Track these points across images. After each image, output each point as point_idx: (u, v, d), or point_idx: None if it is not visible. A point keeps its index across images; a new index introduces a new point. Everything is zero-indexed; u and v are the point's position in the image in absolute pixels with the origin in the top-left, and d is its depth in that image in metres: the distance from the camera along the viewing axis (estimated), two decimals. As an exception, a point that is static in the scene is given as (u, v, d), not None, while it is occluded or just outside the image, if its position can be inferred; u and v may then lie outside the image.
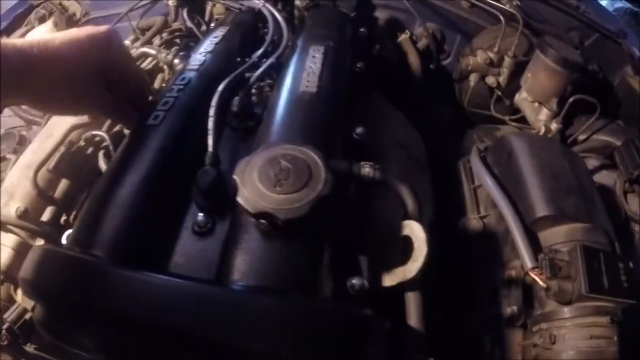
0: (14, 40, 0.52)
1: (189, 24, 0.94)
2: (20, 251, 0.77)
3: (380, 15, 1.05)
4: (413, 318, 0.51)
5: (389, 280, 0.51)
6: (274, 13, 0.78)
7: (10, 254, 0.76)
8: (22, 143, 1.09)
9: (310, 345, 0.40)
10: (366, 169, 0.55)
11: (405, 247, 0.53)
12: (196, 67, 0.71)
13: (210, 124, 0.58)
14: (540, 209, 0.68)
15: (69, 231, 0.54)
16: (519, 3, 1.00)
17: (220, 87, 0.63)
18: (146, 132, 0.59)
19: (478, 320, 0.72)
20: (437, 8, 1.06)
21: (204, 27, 1.01)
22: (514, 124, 1.02)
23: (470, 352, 0.73)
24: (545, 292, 0.62)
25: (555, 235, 0.69)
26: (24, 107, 1.16)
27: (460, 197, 0.81)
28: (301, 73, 0.67)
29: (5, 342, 0.73)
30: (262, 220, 0.44)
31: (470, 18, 1.07)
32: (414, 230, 0.52)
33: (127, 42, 1.09)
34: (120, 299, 0.42)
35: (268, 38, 0.75)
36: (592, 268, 0.60)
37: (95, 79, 0.56)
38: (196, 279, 0.47)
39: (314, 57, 0.70)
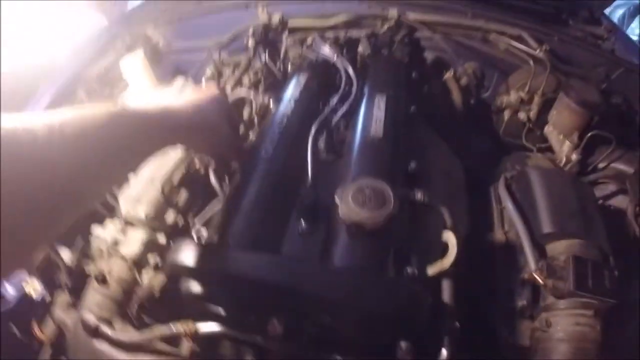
0: (171, 104, 0.73)
1: (271, 66, 1.35)
2: (147, 245, 1.17)
3: (428, 55, 1.44)
4: (446, 297, 0.89)
5: (431, 270, 0.90)
6: (347, 67, 1.18)
7: (139, 247, 1.17)
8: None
9: (383, 303, 0.78)
10: (419, 195, 0.94)
11: (444, 249, 0.92)
12: (289, 112, 1.12)
13: (309, 158, 0.99)
14: (547, 226, 1.05)
15: (198, 227, 0.93)
16: (548, 48, 1.37)
17: (313, 130, 1.03)
18: (260, 162, 0.99)
19: (498, 312, 1.09)
20: (477, 50, 1.45)
21: (278, 65, 1.42)
22: (540, 154, 1.38)
23: (491, 338, 1.09)
24: (544, 289, 0.99)
25: (558, 248, 1.04)
26: None
27: (490, 216, 1.19)
28: (370, 120, 1.06)
29: (135, 314, 1.12)
30: (353, 228, 0.84)
31: (505, 58, 1.44)
32: (449, 237, 0.91)
33: (208, 71, 1.51)
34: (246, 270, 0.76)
35: (342, 87, 1.15)
36: (580, 272, 0.94)
37: (228, 129, 0.93)
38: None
39: (379, 106, 1.10)
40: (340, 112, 1.09)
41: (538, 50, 1.36)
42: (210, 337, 0.85)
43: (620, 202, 1.29)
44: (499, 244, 1.15)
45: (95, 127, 0.53)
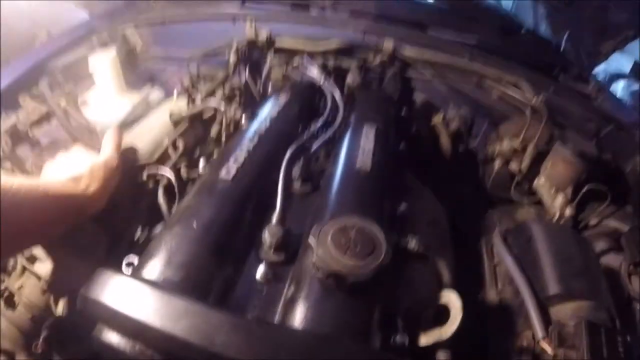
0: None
1: (251, 85, 1.12)
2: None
3: (418, 96, 1.25)
4: (443, 374, 0.64)
5: (426, 339, 0.65)
6: (334, 91, 0.96)
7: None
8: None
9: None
10: (412, 243, 0.70)
11: (441, 313, 0.67)
12: (263, 130, 0.88)
13: (280, 187, 0.74)
14: (553, 288, 0.83)
15: (130, 256, 0.64)
16: (544, 99, 1.20)
17: (287, 155, 0.79)
18: (219, 184, 0.73)
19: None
20: (469, 95, 1.27)
21: (258, 85, 1.19)
22: (530, 208, 1.18)
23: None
24: (552, 359, 0.75)
25: (564, 311, 0.83)
26: (73, 122, 1.29)
27: (480, 273, 0.96)
28: (356, 151, 0.84)
29: (40, 351, 0.82)
30: (331, 279, 0.59)
31: (498, 107, 1.27)
32: (452, 299, 0.66)
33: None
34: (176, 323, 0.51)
35: (326, 112, 0.93)
36: (594, 340, 0.74)
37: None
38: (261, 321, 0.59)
39: (367, 137, 0.88)
40: (322, 139, 0.86)
41: (534, 100, 1.18)
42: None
43: (612, 260, 1.09)
44: (491, 305, 0.91)
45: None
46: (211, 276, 0.62)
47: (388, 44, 1.19)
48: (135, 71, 1.35)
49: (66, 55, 1.28)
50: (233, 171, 0.75)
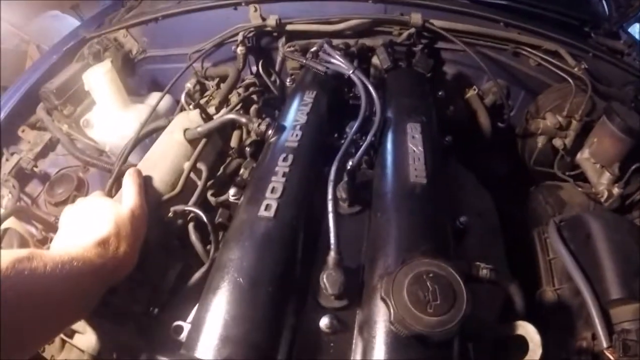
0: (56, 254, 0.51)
1: (266, 79, 0.98)
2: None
3: (448, 70, 1.11)
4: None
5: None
6: (366, 83, 0.82)
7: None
8: (81, 187, 1.11)
9: None
10: (484, 271, 0.61)
11: (516, 344, 0.60)
12: (295, 143, 0.76)
13: (331, 218, 0.63)
14: (615, 292, 0.77)
15: (179, 324, 0.56)
16: (586, 66, 1.07)
17: (332, 174, 0.68)
18: (262, 225, 0.62)
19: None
20: (504, 65, 1.13)
21: (273, 77, 1.05)
22: (575, 187, 1.08)
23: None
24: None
25: (624, 313, 0.78)
26: (79, 146, 1.17)
27: (535, 268, 0.89)
28: (406, 158, 0.72)
29: None
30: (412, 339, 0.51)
31: (536, 76, 1.13)
32: (529, 332, 0.59)
33: (189, 85, 1.12)
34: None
35: (361, 111, 0.79)
36: None
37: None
38: None
39: (413, 137, 0.76)
40: (364, 146, 0.74)
41: (576, 69, 1.05)
42: None
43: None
44: (549, 304, 0.85)
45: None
46: (273, 340, 0.54)
47: (416, 17, 1.03)
48: (136, 76, 1.20)
49: (59, 75, 1.13)
50: (274, 206, 0.64)
